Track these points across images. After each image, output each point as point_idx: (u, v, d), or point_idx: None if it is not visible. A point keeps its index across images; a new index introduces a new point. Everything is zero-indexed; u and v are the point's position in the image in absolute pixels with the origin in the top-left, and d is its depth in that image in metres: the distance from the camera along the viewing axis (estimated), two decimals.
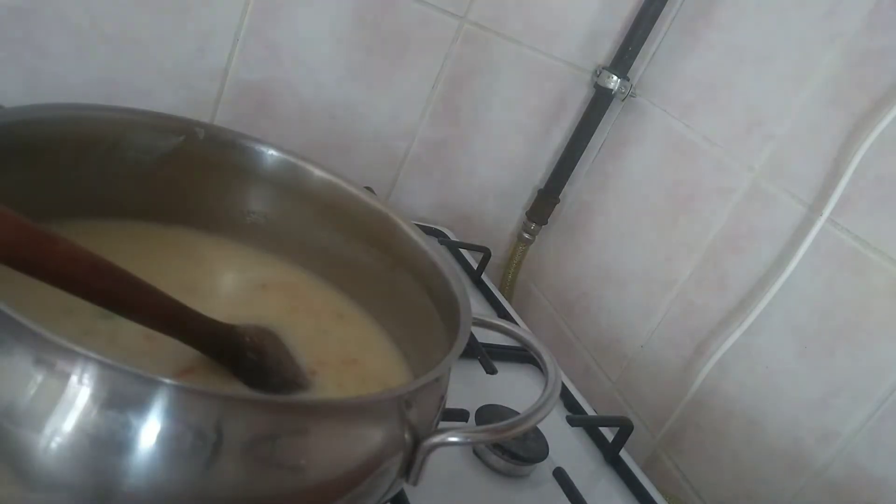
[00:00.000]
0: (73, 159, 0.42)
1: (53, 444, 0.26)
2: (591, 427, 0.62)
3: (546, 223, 0.89)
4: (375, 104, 0.78)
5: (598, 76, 0.83)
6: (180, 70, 0.68)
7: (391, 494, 0.35)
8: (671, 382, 0.71)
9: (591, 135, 0.85)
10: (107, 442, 0.26)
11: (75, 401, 0.26)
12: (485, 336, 0.62)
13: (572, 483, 0.51)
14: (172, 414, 0.26)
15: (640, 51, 0.80)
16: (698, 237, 0.71)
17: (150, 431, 0.26)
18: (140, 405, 0.26)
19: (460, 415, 0.52)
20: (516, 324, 0.64)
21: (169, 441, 0.26)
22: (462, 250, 0.83)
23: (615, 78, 0.81)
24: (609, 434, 0.61)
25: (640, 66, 0.82)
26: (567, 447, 0.58)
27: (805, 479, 0.58)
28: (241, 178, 0.49)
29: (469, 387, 0.58)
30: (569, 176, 0.87)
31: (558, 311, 0.87)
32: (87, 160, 0.43)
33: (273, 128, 0.74)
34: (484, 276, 0.80)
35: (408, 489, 0.43)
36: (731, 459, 0.64)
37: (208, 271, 0.47)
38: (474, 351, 0.61)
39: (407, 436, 0.33)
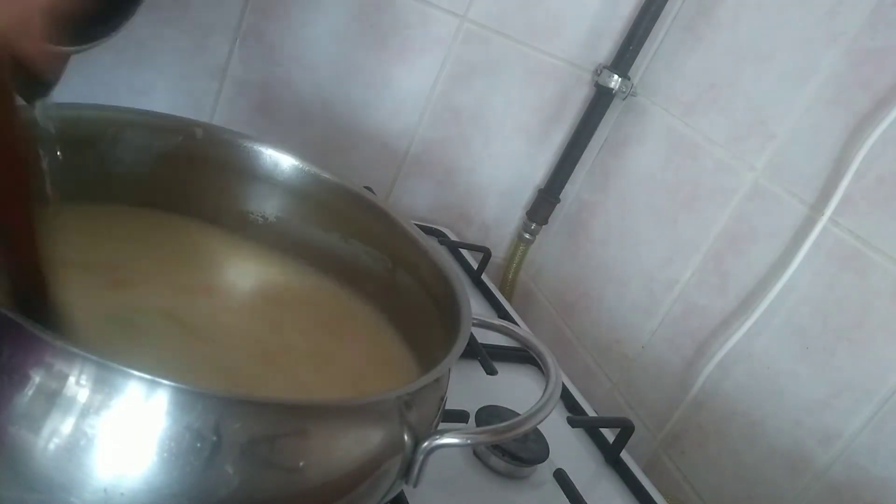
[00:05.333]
0: (71, 158, 0.42)
1: (52, 446, 0.26)
2: (591, 428, 0.62)
3: (546, 223, 0.89)
4: (375, 104, 0.77)
5: (598, 75, 0.82)
6: (179, 69, 0.68)
7: (391, 496, 0.35)
8: (672, 383, 0.71)
9: (592, 134, 0.84)
10: (105, 443, 0.26)
11: (74, 402, 0.26)
12: (485, 336, 0.62)
13: (573, 484, 0.51)
14: (171, 415, 0.26)
15: (641, 50, 0.80)
16: (699, 237, 0.71)
17: (148, 432, 0.26)
18: (139, 406, 0.26)
19: (460, 416, 0.52)
20: (517, 324, 0.64)
21: (168, 442, 0.26)
22: (462, 250, 0.83)
23: (616, 77, 0.80)
24: (610, 435, 0.61)
25: (641, 66, 0.82)
26: (567, 448, 0.58)
27: (806, 480, 0.58)
28: (239, 177, 0.49)
29: (469, 388, 0.58)
30: (569, 176, 0.87)
31: (559, 311, 0.87)
32: (85, 159, 0.43)
33: (272, 127, 0.74)
34: (484, 277, 0.79)
35: (407, 491, 0.43)
36: (733, 460, 0.63)
37: (207, 264, 0.47)
38: (474, 351, 0.61)
39: (407, 437, 0.33)
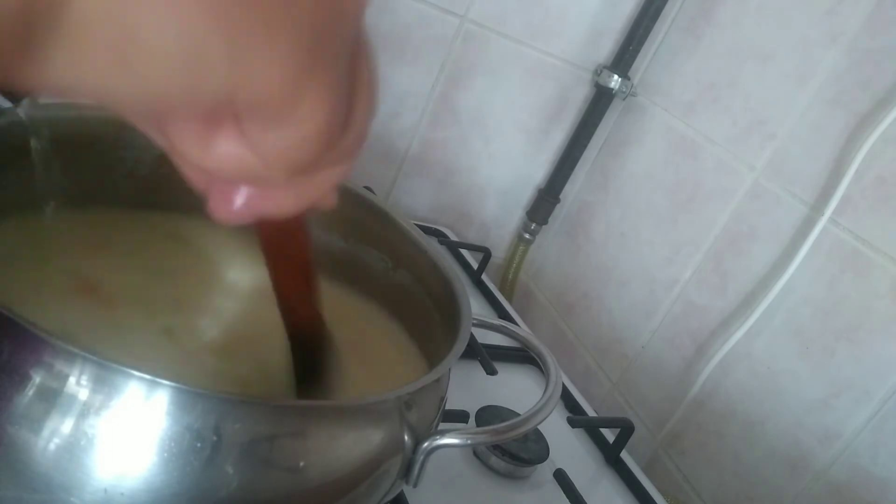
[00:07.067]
0: (70, 159, 0.42)
1: (52, 446, 0.26)
2: (591, 428, 0.62)
3: (546, 223, 0.89)
4: None
5: (598, 75, 0.82)
6: None
7: (391, 496, 0.35)
8: (672, 383, 0.71)
9: (592, 134, 0.84)
10: (105, 443, 0.26)
11: (74, 402, 0.25)
12: (485, 337, 0.62)
13: (573, 484, 0.51)
14: (171, 415, 0.26)
15: (641, 50, 0.80)
16: (699, 237, 0.71)
17: (148, 432, 0.26)
18: (139, 406, 0.26)
19: (460, 416, 0.52)
20: (517, 324, 0.64)
21: (168, 442, 0.26)
22: (462, 250, 0.83)
23: (616, 77, 0.80)
24: (610, 435, 0.61)
25: (640, 66, 0.82)
26: (568, 448, 0.58)
27: (807, 481, 0.58)
28: None
29: (469, 388, 0.58)
30: (569, 176, 0.87)
31: (559, 311, 0.87)
32: (84, 160, 0.42)
33: None
34: (484, 277, 0.79)
35: (407, 491, 0.43)
36: (733, 460, 0.63)
37: (209, 264, 0.47)
38: (474, 352, 0.61)
39: (407, 437, 0.33)
